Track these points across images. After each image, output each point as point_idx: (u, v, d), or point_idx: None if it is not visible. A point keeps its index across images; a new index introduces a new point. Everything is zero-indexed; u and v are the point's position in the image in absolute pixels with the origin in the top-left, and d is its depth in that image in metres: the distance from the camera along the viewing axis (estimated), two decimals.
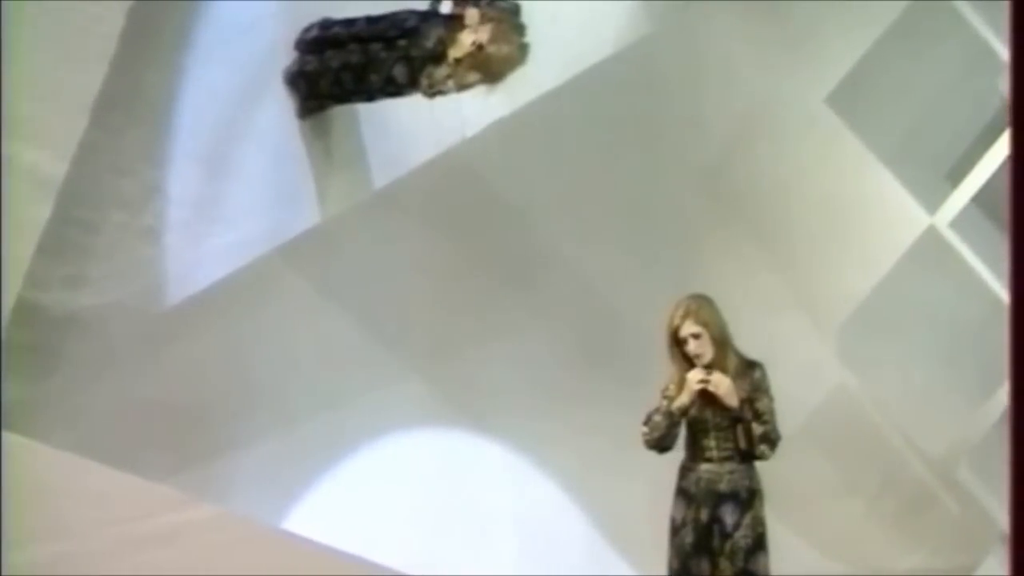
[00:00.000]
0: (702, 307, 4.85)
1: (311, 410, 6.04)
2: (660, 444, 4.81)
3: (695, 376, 4.75)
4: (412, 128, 5.85)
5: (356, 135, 5.74)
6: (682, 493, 4.84)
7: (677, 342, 4.82)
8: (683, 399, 4.74)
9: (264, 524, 5.14)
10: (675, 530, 4.85)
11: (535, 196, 6.66)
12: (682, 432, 4.86)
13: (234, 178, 5.34)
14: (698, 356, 4.79)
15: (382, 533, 6.14)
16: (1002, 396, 6.95)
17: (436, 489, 6.63)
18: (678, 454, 4.89)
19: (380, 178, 5.88)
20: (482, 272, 6.69)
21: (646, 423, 4.81)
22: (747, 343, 4.94)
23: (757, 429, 4.74)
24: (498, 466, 6.84)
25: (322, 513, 5.98)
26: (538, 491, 6.91)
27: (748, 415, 4.74)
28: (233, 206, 5.32)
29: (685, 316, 4.81)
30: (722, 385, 4.72)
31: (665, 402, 4.80)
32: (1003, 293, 7.00)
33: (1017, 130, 2.87)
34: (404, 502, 6.47)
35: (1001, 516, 6.72)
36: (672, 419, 4.77)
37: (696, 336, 4.81)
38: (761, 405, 4.78)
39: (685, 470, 4.86)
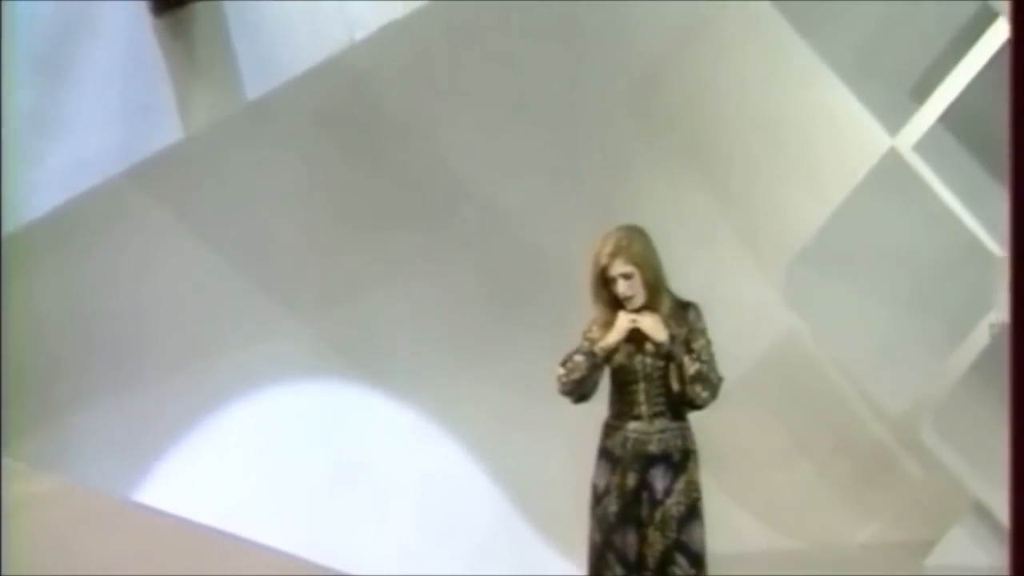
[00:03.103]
0: (634, 242, 4.76)
1: (171, 364, 5.99)
2: (579, 389, 4.74)
3: (626, 317, 4.69)
4: (290, 29, 5.76)
5: (223, 36, 5.63)
6: (606, 455, 4.78)
7: (605, 282, 4.74)
8: (610, 339, 4.67)
9: (114, 497, 5.12)
10: (597, 498, 4.78)
11: (436, 112, 6.59)
12: (606, 385, 4.80)
13: (76, 86, 5.23)
14: (628, 299, 4.72)
15: (260, 504, 6.11)
16: (972, 346, 6.98)
17: (324, 453, 6.60)
18: (601, 409, 4.83)
19: (252, 88, 5.78)
20: (376, 201, 6.62)
21: (564, 364, 4.74)
22: (681, 283, 4.88)
23: (690, 367, 4.69)
24: (396, 426, 6.83)
25: (185, 483, 5.95)
26: (442, 454, 6.91)
27: (680, 352, 4.68)
28: (76, 119, 5.23)
29: (615, 254, 4.72)
30: (645, 320, 4.66)
31: (587, 343, 4.73)
32: (974, 226, 7.01)
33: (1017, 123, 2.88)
34: (286, 469, 6.44)
35: (970, 482, 6.79)
36: (595, 361, 4.70)
37: (627, 276, 4.73)
38: (696, 344, 4.73)
39: (610, 428, 4.79)
